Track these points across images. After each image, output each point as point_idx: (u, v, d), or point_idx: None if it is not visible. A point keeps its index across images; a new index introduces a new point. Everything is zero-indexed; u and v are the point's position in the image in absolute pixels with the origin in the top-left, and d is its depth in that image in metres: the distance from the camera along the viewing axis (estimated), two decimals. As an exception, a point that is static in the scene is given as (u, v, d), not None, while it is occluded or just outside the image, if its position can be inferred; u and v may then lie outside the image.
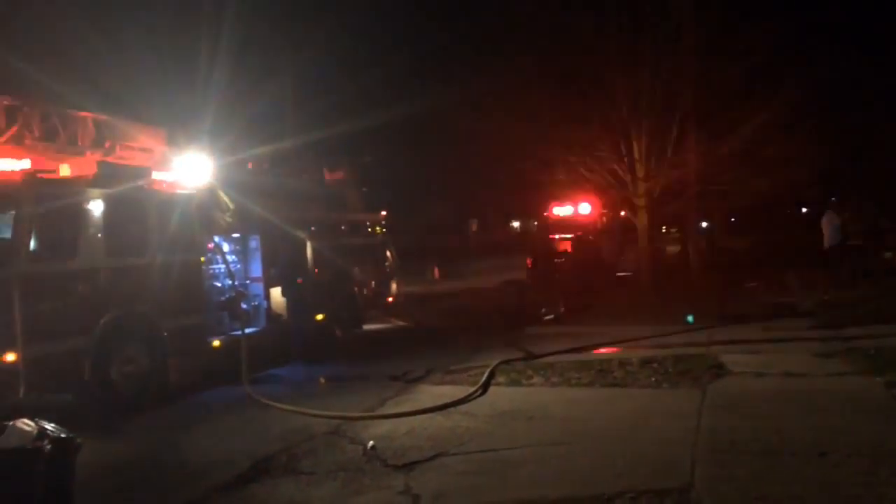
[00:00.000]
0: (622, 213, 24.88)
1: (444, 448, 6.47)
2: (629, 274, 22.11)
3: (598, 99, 18.30)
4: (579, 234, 22.14)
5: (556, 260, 21.15)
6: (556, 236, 22.15)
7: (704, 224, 26.87)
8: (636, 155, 18.53)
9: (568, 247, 21.76)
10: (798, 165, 18.53)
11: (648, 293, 18.03)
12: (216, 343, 10.12)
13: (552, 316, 15.20)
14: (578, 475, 5.62)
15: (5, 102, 7.99)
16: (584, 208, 23.52)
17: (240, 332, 10.07)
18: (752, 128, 18.06)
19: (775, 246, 25.02)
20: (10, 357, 7.17)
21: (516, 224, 52.49)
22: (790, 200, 32.98)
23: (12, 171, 7.69)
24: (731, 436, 6.23)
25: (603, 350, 10.88)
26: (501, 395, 8.39)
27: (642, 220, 19.31)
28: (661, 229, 27.65)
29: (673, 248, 28.07)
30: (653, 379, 8.64)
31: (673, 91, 18.49)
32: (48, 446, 4.26)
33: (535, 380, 9.06)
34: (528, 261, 22.06)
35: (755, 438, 6.11)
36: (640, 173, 18.51)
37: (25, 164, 7.84)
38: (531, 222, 38.61)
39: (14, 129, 7.98)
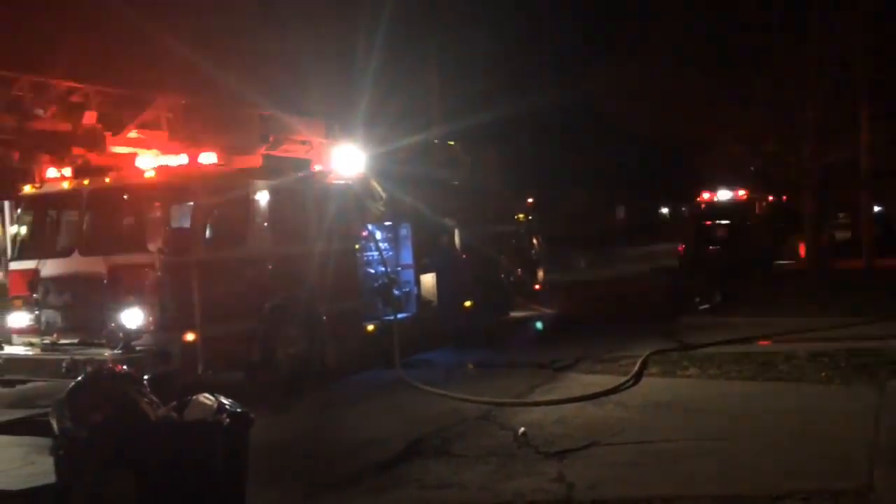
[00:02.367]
0: (783, 198, 23.40)
1: (596, 438, 6.37)
2: (792, 262, 20.75)
3: (760, 75, 17.23)
4: (736, 219, 21.01)
5: (710, 247, 20.20)
6: (711, 222, 21.14)
7: (878, 208, 24.69)
8: (802, 134, 17.28)
9: (724, 233, 20.71)
10: None
11: (814, 283, 16.82)
12: (370, 327, 10.47)
13: (707, 305, 14.56)
14: (742, 472, 5.36)
15: (183, 101, 8.67)
16: (742, 192, 22.31)
17: (392, 318, 10.39)
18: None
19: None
20: (190, 337, 7.77)
21: (665, 210, 50.72)
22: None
23: (190, 166, 8.32)
24: (916, 437, 5.71)
25: (765, 342, 10.29)
26: (655, 386, 8.16)
27: (808, 205, 18.02)
28: (829, 214, 25.69)
29: (842, 235, 26.05)
30: (823, 374, 8.09)
31: (844, 64, 17.07)
32: (226, 420, 4.58)
33: (691, 371, 8.73)
34: (680, 248, 21.23)
35: (944, 441, 5.57)
36: (807, 154, 17.25)
37: (201, 158, 8.46)
38: (682, 208, 37.16)
39: (191, 126, 8.65)
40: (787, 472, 5.24)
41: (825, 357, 8.70)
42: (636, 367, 8.74)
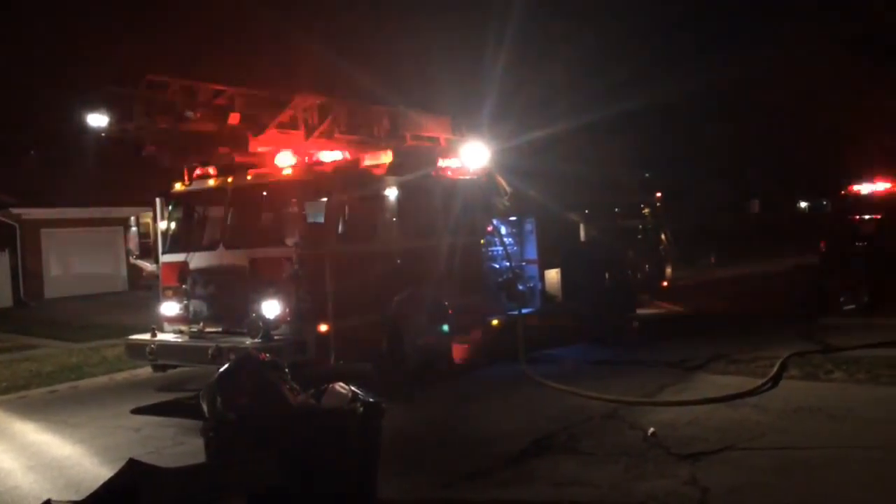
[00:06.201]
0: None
1: (732, 441, 6.12)
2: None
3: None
4: (889, 213, 19.45)
5: (857, 243, 18.83)
6: (859, 216, 19.70)
7: None
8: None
9: (872, 228, 19.24)
10: None
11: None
12: (494, 322, 10.50)
13: (853, 306, 13.60)
14: (897, 485, 5.00)
15: (318, 101, 9.02)
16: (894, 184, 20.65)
17: (516, 312, 10.38)
18: None
19: None
20: (324, 328, 8.08)
21: (804, 204, 47.77)
22: None
23: (324, 163, 8.64)
24: None
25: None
26: (795, 390, 7.73)
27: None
28: None
29: None
30: None
31: None
32: (361, 408, 4.76)
33: (836, 375, 8.21)
34: (822, 244, 19.92)
35: None
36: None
37: (335, 155, 8.77)
38: (824, 202, 34.87)
39: (325, 124, 8.99)
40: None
41: None
42: (775, 369, 8.31)
